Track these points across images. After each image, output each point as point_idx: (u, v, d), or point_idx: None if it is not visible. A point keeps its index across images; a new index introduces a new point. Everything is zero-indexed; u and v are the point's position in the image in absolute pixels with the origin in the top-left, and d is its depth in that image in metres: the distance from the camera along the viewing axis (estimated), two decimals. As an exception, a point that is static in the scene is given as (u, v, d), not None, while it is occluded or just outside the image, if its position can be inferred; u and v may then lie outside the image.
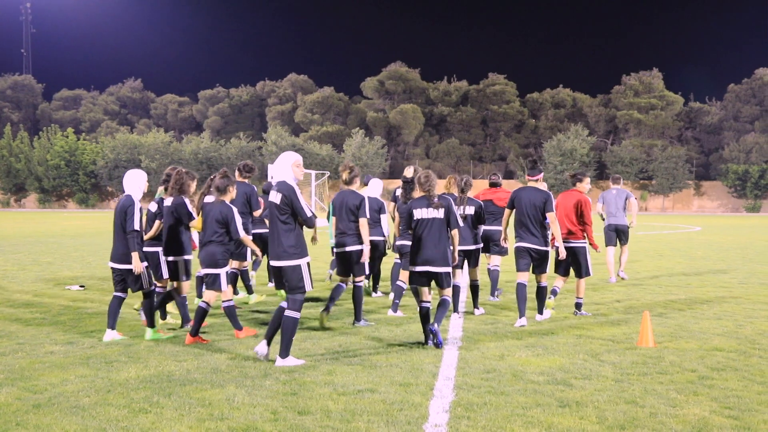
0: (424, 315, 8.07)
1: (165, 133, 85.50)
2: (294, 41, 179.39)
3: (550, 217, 9.36)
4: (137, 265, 8.02)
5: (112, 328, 8.21)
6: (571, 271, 10.24)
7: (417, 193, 8.36)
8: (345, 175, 9.31)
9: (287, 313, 7.06)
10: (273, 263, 7.23)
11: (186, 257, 8.83)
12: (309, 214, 7.10)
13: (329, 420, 5.36)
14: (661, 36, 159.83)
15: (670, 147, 79.37)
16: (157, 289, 8.87)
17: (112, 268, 8.30)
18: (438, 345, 7.79)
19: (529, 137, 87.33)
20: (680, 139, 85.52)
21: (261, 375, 6.63)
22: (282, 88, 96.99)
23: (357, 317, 9.20)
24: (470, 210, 9.88)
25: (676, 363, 7.18)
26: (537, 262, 9.45)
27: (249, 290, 10.96)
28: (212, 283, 8.27)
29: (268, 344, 7.20)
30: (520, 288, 9.33)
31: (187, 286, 8.96)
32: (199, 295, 10.13)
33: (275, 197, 7.12)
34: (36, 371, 6.73)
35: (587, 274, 10.05)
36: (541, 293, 9.66)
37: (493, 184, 11.55)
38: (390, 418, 5.42)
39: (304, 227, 7.36)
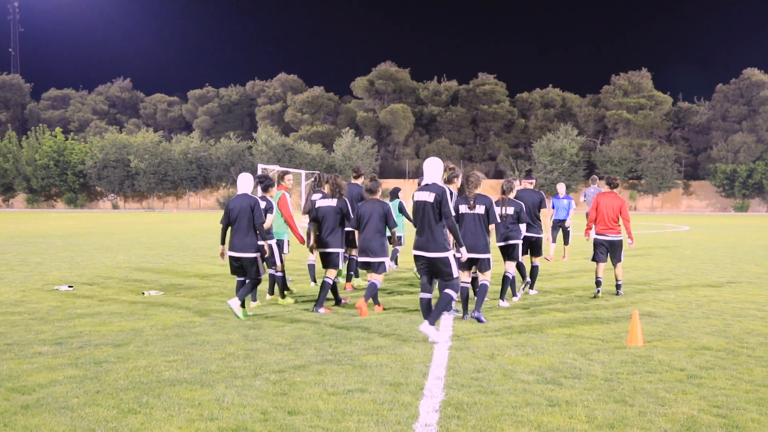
0: (464, 296, 9.62)
1: (154, 133, 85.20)
2: (283, 41, 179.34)
3: (545, 212, 12.08)
4: (268, 251, 9.77)
5: (241, 298, 9.65)
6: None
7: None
8: (445, 175, 10.14)
9: (447, 290, 8.21)
10: (421, 254, 8.25)
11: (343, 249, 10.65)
12: (453, 214, 8.12)
13: (319, 420, 5.36)
14: (650, 36, 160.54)
15: (659, 147, 79.68)
16: (277, 273, 10.90)
17: (232, 257, 9.71)
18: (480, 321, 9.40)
19: (519, 137, 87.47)
20: (669, 138, 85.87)
21: (251, 375, 6.62)
22: (272, 87, 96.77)
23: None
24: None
25: (665, 362, 7.22)
26: (534, 246, 11.84)
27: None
28: (377, 267, 10.03)
29: (432, 323, 8.05)
30: (521, 265, 11.72)
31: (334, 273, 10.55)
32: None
33: (428, 197, 8.16)
34: (24, 372, 6.70)
35: (620, 260, 11.88)
36: (534, 271, 11.97)
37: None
38: (380, 417, 5.42)
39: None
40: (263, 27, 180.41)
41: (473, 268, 9.94)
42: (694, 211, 79.08)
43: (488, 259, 9.50)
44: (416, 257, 8.40)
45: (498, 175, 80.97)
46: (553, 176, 74.17)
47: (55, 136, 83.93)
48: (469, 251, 9.22)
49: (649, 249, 22.25)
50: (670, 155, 77.74)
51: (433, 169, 8.32)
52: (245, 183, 9.91)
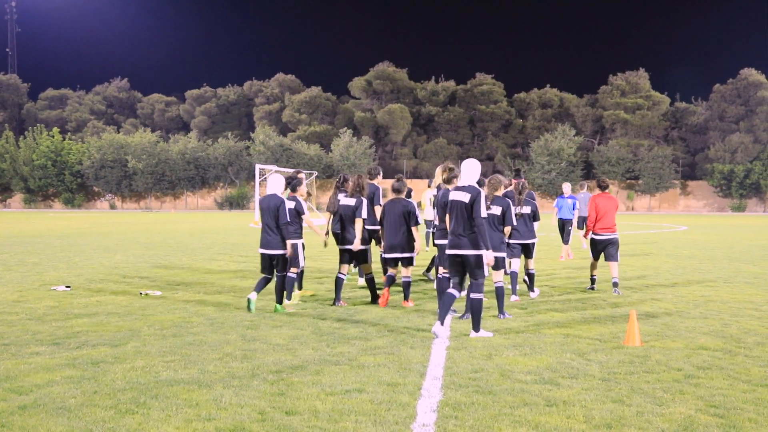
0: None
1: (152, 133, 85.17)
2: (281, 41, 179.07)
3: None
4: (290, 250, 10.02)
5: (257, 291, 10.08)
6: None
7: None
8: (445, 175, 10.22)
9: (473, 296, 8.40)
10: (456, 252, 8.38)
11: (369, 246, 11.15)
12: (484, 215, 8.24)
13: (317, 420, 5.36)
14: (648, 36, 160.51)
15: (657, 147, 79.75)
16: (289, 274, 10.66)
17: (262, 254, 10.09)
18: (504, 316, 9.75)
19: (517, 137, 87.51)
20: (666, 138, 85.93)
21: (248, 375, 6.61)
22: (269, 87, 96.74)
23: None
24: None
25: (662, 362, 7.22)
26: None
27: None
28: (408, 262, 10.64)
29: (442, 323, 8.23)
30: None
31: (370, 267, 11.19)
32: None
33: (464, 197, 8.33)
34: (21, 372, 6.69)
35: (617, 260, 12.35)
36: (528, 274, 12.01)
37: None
38: (378, 417, 5.42)
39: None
40: (261, 27, 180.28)
41: None
42: (692, 211, 79.17)
43: (502, 259, 9.85)
44: (449, 256, 8.54)
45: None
46: (550, 176, 74.24)
47: (53, 136, 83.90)
48: None
49: (647, 249, 22.28)
50: (668, 155, 77.82)
51: (471, 170, 8.58)
52: (274, 183, 10.22)
